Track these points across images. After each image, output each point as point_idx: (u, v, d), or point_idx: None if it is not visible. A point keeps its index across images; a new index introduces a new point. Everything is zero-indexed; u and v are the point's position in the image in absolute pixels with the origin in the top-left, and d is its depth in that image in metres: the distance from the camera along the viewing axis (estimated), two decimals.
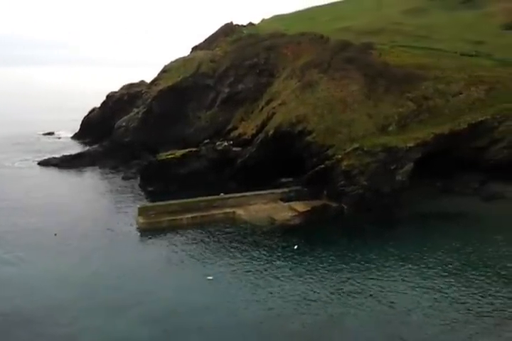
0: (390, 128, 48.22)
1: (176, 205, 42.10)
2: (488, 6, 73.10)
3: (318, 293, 28.11)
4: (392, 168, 44.30)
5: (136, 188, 51.44)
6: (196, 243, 36.10)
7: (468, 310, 25.90)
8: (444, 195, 45.10)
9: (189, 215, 40.75)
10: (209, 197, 43.43)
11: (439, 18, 68.56)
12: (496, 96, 50.87)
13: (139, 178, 52.92)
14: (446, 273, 30.41)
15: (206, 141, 56.47)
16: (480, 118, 47.98)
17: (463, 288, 28.38)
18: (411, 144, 45.20)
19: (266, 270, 31.23)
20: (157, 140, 60.08)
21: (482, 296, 27.35)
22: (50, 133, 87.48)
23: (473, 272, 30.49)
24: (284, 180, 48.59)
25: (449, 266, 31.51)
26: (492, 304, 26.48)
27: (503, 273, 30.25)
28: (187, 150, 52.33)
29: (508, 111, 48.83)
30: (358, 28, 63.84)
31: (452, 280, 29.51)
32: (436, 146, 45.88)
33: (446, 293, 27.83)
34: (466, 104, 50.07)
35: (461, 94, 50.80)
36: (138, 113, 67.09)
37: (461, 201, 43.88)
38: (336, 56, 54.06)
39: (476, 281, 29.24)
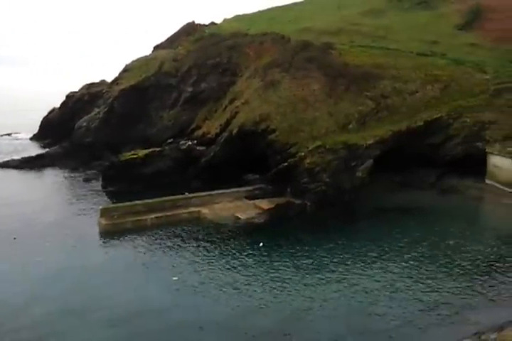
0: (351, 126, 49.43)
1: (140, 206, 41.76)
2: (443, 7, 75.68)
3: (284, 289, 28.59)
4: (353, 164, 45.56)
5: (98, 189, 50.73)
6: (161, 243, 36.00)
7: (428, 301, 26.85)
8: (402, 189, 46.63)
9: (153, 215, 40.51)
10: (173, 197, 43.39)
11: (396, 19, 70.53)
12: (450, 94, 52.94)
13: (100, 179, 52.22)
14: (405, 266, 31.48)
15: (169, 141, 56.34)
16: (435, 116, 49.84)
17: (422, 280, 29.42)
18: (370, 141, 46.55)
19: (232, 268, 31.51)
20: (119, 140, 59.44)
21: (440, 287, 28.40)
22: (8, 135, 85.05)
23: (432, 264, 31.65)
24: (250, 177, 49.16)
25: (409, 258, 32.62)
26: (450, 295, 27.49)
27: (459, 264, 31.50)
28: (150, 150, 52.05)
29: (462, 109, 50.95)
30: (318, 29, 64.92)
31: (412, 272, 30.55)
32: (395, 143, 47.41)
33: (407, 285, 28.78)
34: (422, 102, 51.87)
35: (417, 92, 52.56)
36: (99, 113, 66.11)
37: (418, 195, 45.54)
38: (297, 56, 54.94)
39: (435, 273, 30.36)
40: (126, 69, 71.24)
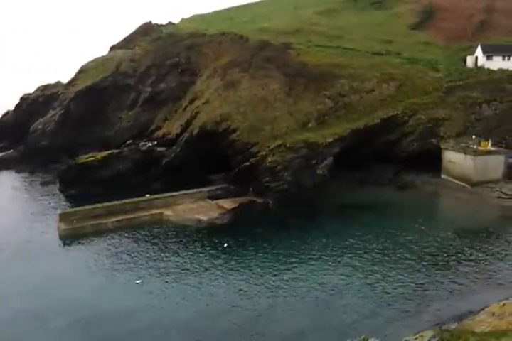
0: (310, 125, 50.10)
1: (100, 209, 41.04)
2: (396, 7, 77.69)
3: (248, 287, 28.73)
4: (313, 162, 46.23)
5: (55, 193, 49.50)
6: (123, 247, 35.44)
7: (390, 294, 27.57)
8: (361, 186, 47.68)
9: (114, 218, 39.86)
10: (134, 199, 42.76)
11: (351, 19, 71.91)
12: (405, 92, 54.40)
13: (58, 183, 50.87)
14: (367, 261, 32.21)
15: (129, 142, 55.43)
16: (391, 114, 51.14)
17: (383, 274, 30.18)
18: (330, 140, 47.34)
19: (196, 269, 31.37)
20: (76, 142, 57.98)
21: (402, 281, 29.21)
22: None
23: (392, 258, 32.48)
24: (213, 177, 49.01)
25: (370, 253, 33.38)
26: (411, 288, 28.30)
27: (419, 258, 32.46)
28: (109, 151, 51.16)
29: (416, 106, 52.44)
30: (275, 28, 65.36)
31: (373, 266, 31.28)
32: (353, 141, 48.37)
33: (369, 279, 29.48)
34: (378, 101, 53.12)
35: (373, 91, 53.77)
36: (55, 115, 64.28)
37: (377, 191, 46.69)
38: (256, 56, 55.23)
39: (395, 267, 31.18)
40: (82, 70, 69.49)
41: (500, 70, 58.04)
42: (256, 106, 49.94)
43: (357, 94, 53.25)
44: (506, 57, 60.71)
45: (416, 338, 16.68)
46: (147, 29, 73.87)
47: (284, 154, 46.01)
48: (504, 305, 17.59)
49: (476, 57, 61.54)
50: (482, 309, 21.32)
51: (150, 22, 76.70)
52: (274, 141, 47.14)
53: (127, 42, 73.38)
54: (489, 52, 60.61)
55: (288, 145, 46.35)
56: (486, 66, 59.49)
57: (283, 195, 44.12)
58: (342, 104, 52.47)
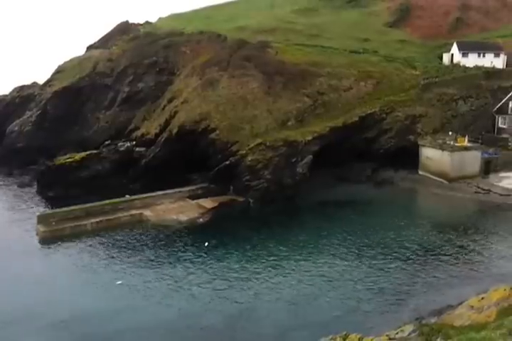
0: (290, 123, 50.22)
1: (79, 211, 40.53)
2: (372, 5, 78.41)
3: (230, 286, 28.69)
4: (293, 160, 46.41)
5: (33, 195, 48.73)
6: (103, 248, 35.05)
7: (370, 289, 27.85)
8: (340, 183, 48.09)
9: (93, 220, 39.40)
10: (114, 200, 42.33)
11: (328, 18, 72.31)
12: (382, 89, 54.98)
13: (36, 184, 50.12)
14: (347, 256, 32.45)
15: (107, 143, 54.71)
16: (369, 111, 51.65)
17: (364, 269, 30.47)
18: (309, 137, 47.56)
19: (177, 269, 31.20)
20: (54, 144, 57.11)
21: (381, 276, 29.52)
22: None
23: (372, 254, 32.82)
24: (193, 177, 48.79)
25: (350, 249, 33.65)
26: (391, 282, 28.60)
27: (398, 253, 32.85)
28: (87, 152, 50.58)
29: (393, 104, 53.05)
30: (253, 27, 65.35)
31: (353, 262, 31.55)
32: (332, 138, 48.67)
33: (349, 275, 29.72)
34: (356, 98, 53.57)
35: (351, 89, 54.18)
36: (31, 116, 63.26)
37: (355, 188, 47.14)
38: (235, 54, 55.09)
39: (375, 262, 31.50)
40: (59, 70, 68.49)
41: (476, 67, 59.15)
42: (235, 105, 49.83)
43: (335, 92, 53.57)
44: (481, 54, 61.82)
45: (397, 333, 16.79)
46: (124, 28, 73.07)
47: (264, 153, 46.05)
48: (482, 298, 17.79)
49: (452, 55, 62.54)
50: (461, 303, 21.56)
51: (127, 21, 75.93)
52: (253, 140, 47.12)
53: (104, 41, 72.49)
54: (465, 50, 61.64)
55: (268, 143, 46.40)
56: (461, 63, 60.52)
57: (263, 193, 44.22)
58: (321, 102, 52.73)
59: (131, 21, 76.02)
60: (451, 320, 17.15)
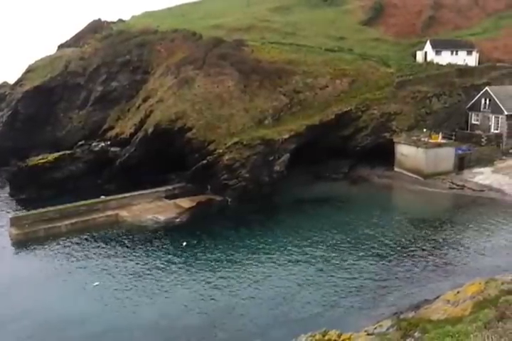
0: (266, 122, 50.15)
1: (53, 212, 39.77)
2: (347, 3, 78.82)
3: (208, 285, 28.51)
4: (271, 159, 46.39)
5: (6, 197, 47.61)
6: (78, 249, 34.48)
7: (349, 285, 27.95)
8: (317, 180, 48.36)
9: (68, 221, 38.73)
10: (89, 201, 41.62)
11: (304, 16, 72.41)
12: (358, 87, 55.31)
13: (8, 186, 49.01)
14: (325, 253, 32.58)
15: (81, 143, 53.71)
16: (345, 109, 51.89)
17: (342, 266, 30.60)
18: (286, 136, 47.58)
19: (154, 270, 30.85)
20: (26, 144, 55.80)
21: (360, 272, 29.68)
22: None
23: (350, 250, 33.00)
24: (169, 176, 48.30)
25: (328, 246, 33.80)
26: (369, 279, 28.77)
27: (375, 249, 33.13)
28: (60, 153, 49.63)
29: (369, 101, 53.44)
30: (228, 25, 64.98)
31: (332, 259, 31.68)
32: (309, 137, 48.80)
33: (328, 272, 29.79)
34: (332, 96, 53.77)
35: (327, 87, 54.35)
36: (2, 116, 61.71)
37: (333, 185, 47.47)
38: (210, 53, 54.62)
39: (353, 258, 31.68)
40: (30, 70, 66.84)
41: (449, 65, 60.04)
42: (211, 104, 49.45)
43: (311, 90, 53.68)
44: (454, 52, 62.88)
45: (375, 328, 16.84)
46: (96, 27, 71.74)
47: (242, 151, 45.88)
48: (458, 292, 18.00)
49: (426, 53, 63.36)
50: (438, 297, 21.84)
51: (99, 19, 74.52)
52: (230, 139, 46.87)
53: (76, 40, 71.05)
54: (438, 48, 62.55)
55: (245, 142, 46.21)
56: (435, 61, 61.35)
57: (241, 192, 44.10)
58: (297, 100, 52.78)
59: (103, 19, 74.73)
60: (428, 314, 17.28)
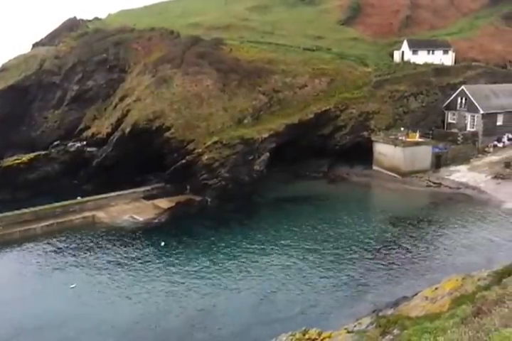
0: (246, 121, 49.95)
1: (28, 214, 38.92)
2: (325, 3, 79.12)
3: (188, 286, 28.20)
4: (250, 158, 46.21)
5: None
6: (54, 252, 33.82)
7: (328, 284, 27.93)
8: (297, 179, 48.42)
9: (44, 223, 37.93)
10: (64, 202, 40.82)
11: (282, 15, 72.46)
12: (336, 87, 55.51)
13: None
14: (305, 252, 32.57)
15: (56, 143, 52.72)
16: (324, 108, 51.99)
17: (321, 265, 30.61)
18: (265, 135, 47.45)
19: (132, 270, 30.43)
20: (0, 145, 54.45)
21: (339, 270, 29.74)
22: None
23: (329, 249, 33.04)
24: (148, 177, 47.73)
25: (307, 245, 33.78)
26: (348, 277, 28.81)
27: (354, 247, 33.20)
28: (35, 153, 48.58)
29: (348, 101, 53.68)
30: (206, 24, 64.61)
31: (311, 258, 31.67)
32: (289, 136, 48.79)
33: (306, 271, 29.76)
34: (311, 96, 53.85)
35: (306, 86, 54.41)
36: None
37: (312, 184, 47.59)
38: (188, 51, 54.15)
39: (332, 257, 31.73)
40: (3, 69, 65.33)
41: (426, 64, 60.68)
42: (190, 103, 49.01)
43: (290, 89, 53.67)
44: (431, 52, 63.60)
45: (355, 326, 16.85)
46: (72, 25, 70.50)
47: (221, 151, 45.60)
48: (436, 288, 18.13)
49: (403, 52, 63.96)
50: (416, 294, 21.99)
51: (75, 17, 73.26)
52: (210, 138, 46.53)
53: (51, 38, 69.73)
54: (415, 47, 63.21)
55: (224, 141, 45.93)
56: (412, 60, 61.98)
57: (221, 191, 43.82)
58: (276, 99, 52.70)
59: (79, 17, 73.50)
60: (407, 311, 17.35)
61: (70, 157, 49.25)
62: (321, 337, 16.05)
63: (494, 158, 50.99)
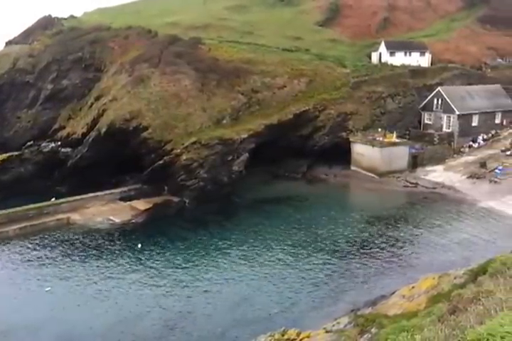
0: (224, 121, 49.64)
1: (0, 216, 37.84)
2: (303, 4, 79.46)
3: (164, 288, 27.77)
4: (229, 159, 45.88)
5: None
6: (28, 254, 33.00)
7: (307, 284, 27.83)
8: (276, 180, 48.37)
9: (16, 226, 36.96)
10: (38, 204, 39.77)
11: (261, 15, 72.42)
12: (315, 87, 55.61)
13: None
14: (284, 253, 32.44)
15: (30, 143, 51.69)
16: (303, 109, 52.01)
17: (299, 265, 30.54)
18: (244, 135, 47.19)
19: (108, 273, 29.86)
20: None
21: (317, 271, 29.68)
22: None
23: (308, 249, 33.00)
24: (124, 178, 46.97)
25: (286, 245, 33.68)
26: (327, 277, 28.77)
27: (332, 247, 33.25)
28: (8, 154, 47.41)
29: (326, 101, 53.84)
30: (185, 23, 64.12)
31: (290, 258, 31.56)
32: (268, 136, 48.63)
33: (285, 271, 29.61)
34: (290, 96, 53.81)
35: (285, 87, 54.36)
36: None
37: (291, 184, 47.56)
38: (166, 51, 53.61)
39: (310, 257, 31.67)
40: None
41: (403, 66, 61.32)
42: (168, 103, 48.46)
43: (269, 90, 53.56)
44: (408, 53, 64.35)
45: (333, 325, 16.76)
46: (47, 23, 69.21)
47: (200, 151, 45.16)
48: (413, 287, 18.22)
49: (380, 54, 64.57)
50: (394, 292, 22.07)
51: (50, 15, 71.98)
52: (188, 138, 46.04)
53: (25, 36, 68.36)
54: (392, 49, 63.87)
55: (203, 142, 45.52)
56: (389, 62, 62.55)
57: (199, 192, 43.36)
58: (255, 99, 52.52)
59: (54, 15, 72.20)
60: (384, 310, 17.35)
61: (44, 158, 48.26)
62: (300, 337, 15.94)
63: (469, 158, 51.79)
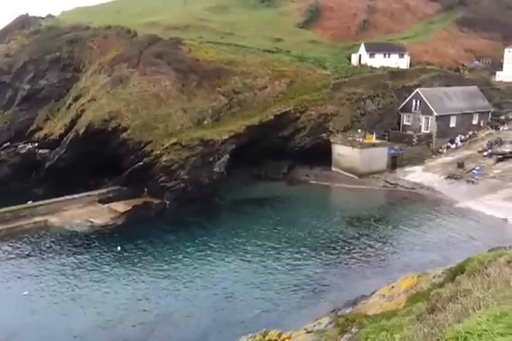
0: (205, 122, 49.39)
1: None
2: (284, 5, 79.77)
3: (145, 291, 27.45)
4: (210, 160, 45.68)
5: None
6: (4, 258, 32.35)
7: (287, 285, 27.80)
8: (257, 181, 48.33)
9: None
10: (14, 207, 38.88)
11: (242, 16, 72.44)
12: (296, 89, 55.76)
13: None
14: (264, 253, 32.43)
15: (6, 145, 50.58)
16: (284, 110, 52.10)
17: (280, 266, 30.51)
18: (225, 136, 47.03)
19: (87, 276, 29.38)
20: None
21: (298, 271, 29.66)
22: None
23: (288, 250, 33.03)
24: (103, 179, 46.34)
25: (266, 246, 33.65)
26: (307, 277, 28.81)
27: (313, 247, 33.29)
28: None
29: (307, 103, 54.04)
30: (165, 24, 63.73)
31: (271, 260, 31.52)
32: (249, 137, 48.57)
33: (268, 273, 29.57)
34: (271, 97, 53.84)
35: (266, 88, 54.37)
36: None
37: (272, 185, 47.60)
38: (146, 51, 53.10)
39: (291, 258, 31.72)
40: None
41: (382, 67, 62.01)
42: (148, 104, 47.96)
43: (250, 91, 53.50)
44: (387, 55, 65.12)
45: (314, 325, 16.73)
46: (24, 22, 67.95)
47: (180, 152, 44.86)
48: (393, 287, 18.32)
49: (360, 55, 65.18)
50: (374, 292, 22.20)
51: (27, 14, 70.75)
52: (168, 139, 45.66)
53: (1, 36, 67.04)
54: (372, 51, 64.53)
55: (183, 143, 45.24)
56: (369, 63, 63.22)
57: (180, 194, 43.06)
58: (236, 100, 52.39)
59: (31, 14, 71.02)
60: (365, 310, 17.39)
61: (21, 159, 47.36)
62: (281, 338, 15.86)
63: (447, 158, 52.55)
